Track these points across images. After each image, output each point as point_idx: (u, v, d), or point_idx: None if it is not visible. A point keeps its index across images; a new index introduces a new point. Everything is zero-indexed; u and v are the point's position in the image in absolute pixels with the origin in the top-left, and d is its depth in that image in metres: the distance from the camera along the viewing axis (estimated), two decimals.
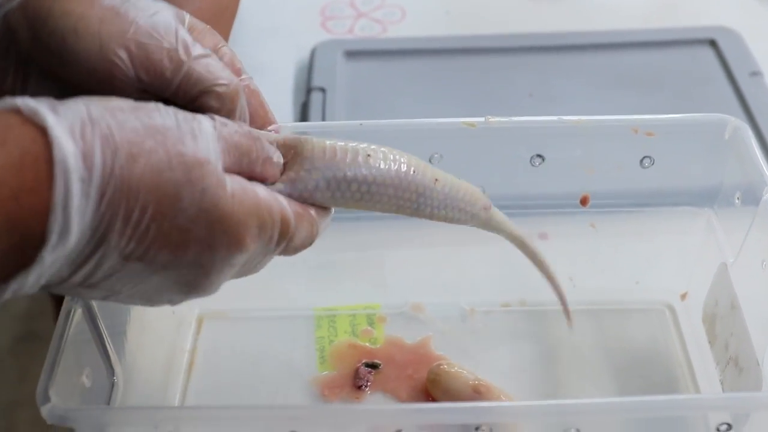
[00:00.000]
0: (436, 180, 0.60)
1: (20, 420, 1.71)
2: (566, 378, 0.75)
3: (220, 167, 0.50)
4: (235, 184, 0.51)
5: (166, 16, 0.55)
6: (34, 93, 0.52)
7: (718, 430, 0.58)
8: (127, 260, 0.48)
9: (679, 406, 0.57)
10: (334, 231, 0.61)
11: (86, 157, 0.46)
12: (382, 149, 0.59)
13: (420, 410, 0.56)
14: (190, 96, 0.55)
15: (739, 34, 1.03)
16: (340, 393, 0.73)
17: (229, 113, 0.56)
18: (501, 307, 0.81)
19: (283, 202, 0.54)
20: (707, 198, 0.75)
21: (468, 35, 1.06)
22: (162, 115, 0.50)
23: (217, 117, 0.53)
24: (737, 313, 0.69)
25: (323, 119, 0.92)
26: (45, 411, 0.55)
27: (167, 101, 0.53)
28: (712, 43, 1.02)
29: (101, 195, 0.46)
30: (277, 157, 0.55)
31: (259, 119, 0.60)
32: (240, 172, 0.52)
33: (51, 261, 0.46)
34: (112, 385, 0.65)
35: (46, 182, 0.45)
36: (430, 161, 0.73)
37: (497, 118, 0.73)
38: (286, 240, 0.54)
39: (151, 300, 0.53)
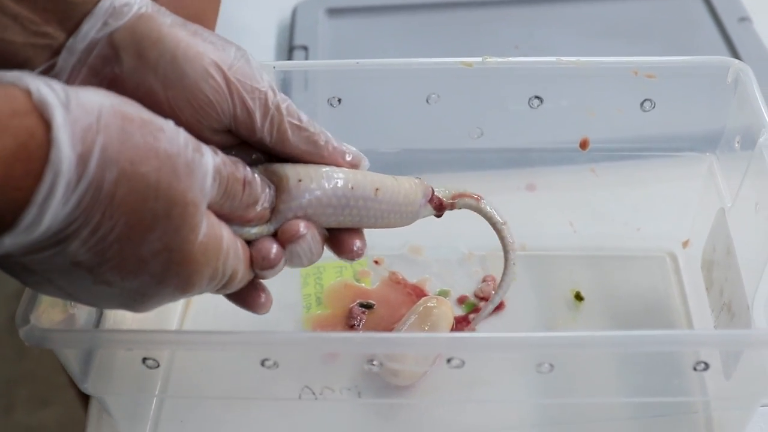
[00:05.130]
0: (377, 190, 0.60)
1: (18, 397, 1.73)
2: (564, 324, 0.75)
3: (203, 208, 0.51)
4: (207, 229, 0.51)
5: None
6: None
7: (695, 369, 0.58)
8: (76, 266, 0.48)
9: (651, 341, 0.56)
10: None
11: (80, 164, 0.45)
12: (329, 171, 0.59)
13: (389, 339, 0.56)
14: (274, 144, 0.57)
15: None
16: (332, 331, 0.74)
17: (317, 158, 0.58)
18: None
19: (240, 253, 0.54)
20: (709, 143, 0.74)
21: None
22: (168, 138, 0.49)
23: (220, 153, 0.53)
24: (732, 258, 0.68)
25: (306, 77, 0.91)
26: (23, 332, 0.56)
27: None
28: None
29: (79, 202, 0.46)
30: (264, 202, 0.56)
31: None
32: (219, 213, 0.53)
33: (8, 244, 0.46)
34: (101, 315, 0.65)
35: (33, 178, 0.44)
36: (427, 102, 0.73)
37: (495, 59, 0.72)
38: (226, 288, 0.55)
39: (82, 301, 0.53)
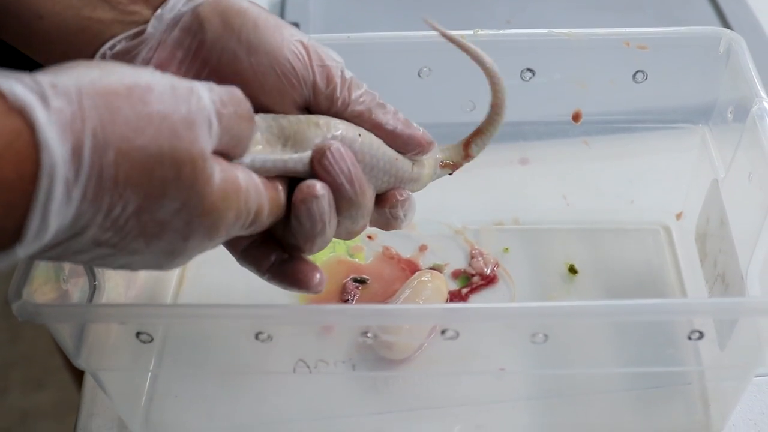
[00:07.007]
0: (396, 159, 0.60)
1: (13, 380, 1.74)
2: (558, 297, 0.75)
3: (210, 155, 0.49)
4: (221, 174, 0.50)
5: None
6: None
7: (689, 338, 0.58)
8: (98, 245, 0.48)
9: (645, 310, 0.56)
10: None
11: (74, 157, 0.44)
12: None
13: (383, 311, 0.56)
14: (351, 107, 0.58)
15: None
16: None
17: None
18: (494, 225, 0.80)
19: (260, 187, 0.53)
20: (702, 114, 0.74)
21: None
22: (158, 98, 0.47)
23: (216, 87, 0.51)
24: (726, 229, 0.68)
25: None
26: (16, 307, 0.55)
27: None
28: None
29: (84, 195, 0.45)
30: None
31: None
32: (233, 153, 0.52)
33: (23, 253, 0.45)
34: (94, 289, 0.65)
35: (27, 179, 0.43)
36: (419, 75, 0.73)
37: (486, 31, 0.72)
38: (255, 225, 0.54)
39: (114, 268, 0.52)
